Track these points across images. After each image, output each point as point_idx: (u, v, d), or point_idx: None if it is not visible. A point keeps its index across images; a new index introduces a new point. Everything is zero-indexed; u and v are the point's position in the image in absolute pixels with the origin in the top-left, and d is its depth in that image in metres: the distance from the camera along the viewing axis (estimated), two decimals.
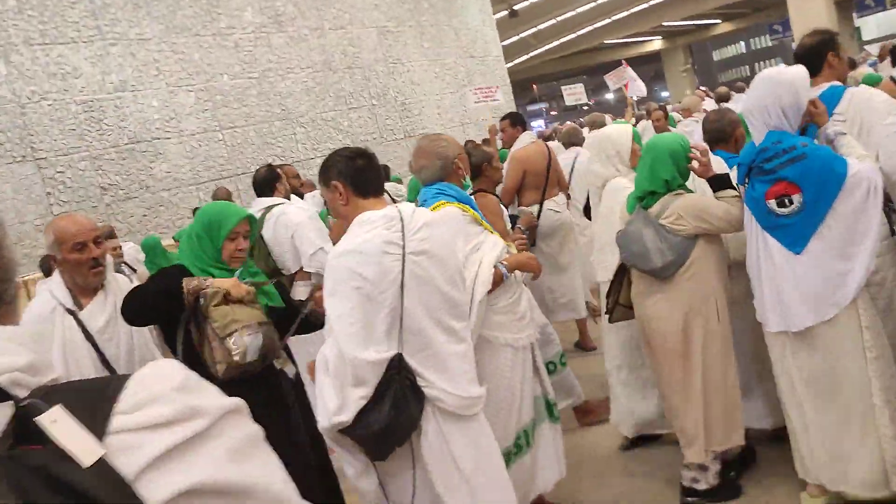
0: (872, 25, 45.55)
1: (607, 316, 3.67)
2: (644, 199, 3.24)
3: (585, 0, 28.17)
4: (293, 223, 4.59)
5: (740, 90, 11.44)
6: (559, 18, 29.94)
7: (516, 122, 5.93)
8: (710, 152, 3.28)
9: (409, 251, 2.38)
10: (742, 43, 59.23)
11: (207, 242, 2.72)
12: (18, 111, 7.60)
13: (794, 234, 2.73)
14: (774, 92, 2.80)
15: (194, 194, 8.99)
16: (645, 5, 32.29)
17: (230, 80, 9.55)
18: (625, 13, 32.70)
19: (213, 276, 2.66)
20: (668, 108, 15.48)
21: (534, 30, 31.00)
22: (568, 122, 12.84)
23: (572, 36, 34.57)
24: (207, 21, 9.38)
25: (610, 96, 52.59)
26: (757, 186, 2.85)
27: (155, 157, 8.67)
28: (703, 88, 14.88)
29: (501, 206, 4.25)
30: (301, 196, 5.04)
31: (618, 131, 3.97)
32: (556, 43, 35.01)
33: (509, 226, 4.16)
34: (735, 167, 3.13)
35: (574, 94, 14.10)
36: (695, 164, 3.19)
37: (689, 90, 45.39)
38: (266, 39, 10.06)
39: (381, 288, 2.31)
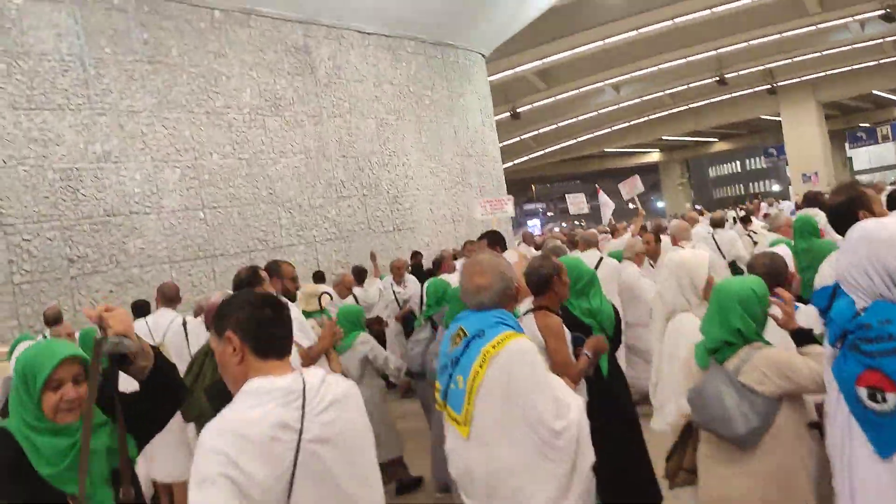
0: (864, 157, 46.66)
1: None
2: (717, 350, 2.78)
3: (586, 109, 28.72)
4: None
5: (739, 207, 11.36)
6: (560, 124, 30.48)
7: (495, 241, 5.34)
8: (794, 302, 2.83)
9: (308, 437, 1.88)
10: (738, 162, 60.49)
11: (25, 396, 2.08)
12: None
13: (885, 435, 2.22)
14: (876, 253, 2.27)
15: (167, 273, 8.63)
16: (644, 119, 32.99)
17: (220, 159, 9.36)
18: (625, 124, 33.38)
19: (36, 443, 2.03)
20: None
21: (535, 133, 31.50)
22: (585, 229, 12.87)
23: (572, 142, 35.17)
24: (203, 99, 9.26)
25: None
26: (849, 361, 2.31)
27: (130, 231, 8.35)
28: (697, 208, 14.87)
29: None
30: (293, 300, 4.54)
31: (695, 259, 3.59)
32: (555, 147, 35.56)
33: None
34: (817, 313, 2.68)
35: (577, 203, 14.15)
36: (777, 312, 2.75)
37: (686, 203, 45.99)
38: (261, 122, 9.94)
39: (263, 485, 1.79)
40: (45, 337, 6.19)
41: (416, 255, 10.04)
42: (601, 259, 6.74)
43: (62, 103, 7.89)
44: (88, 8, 8.18)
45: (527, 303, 3.82)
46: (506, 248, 5.44)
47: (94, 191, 8.08)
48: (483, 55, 14.98)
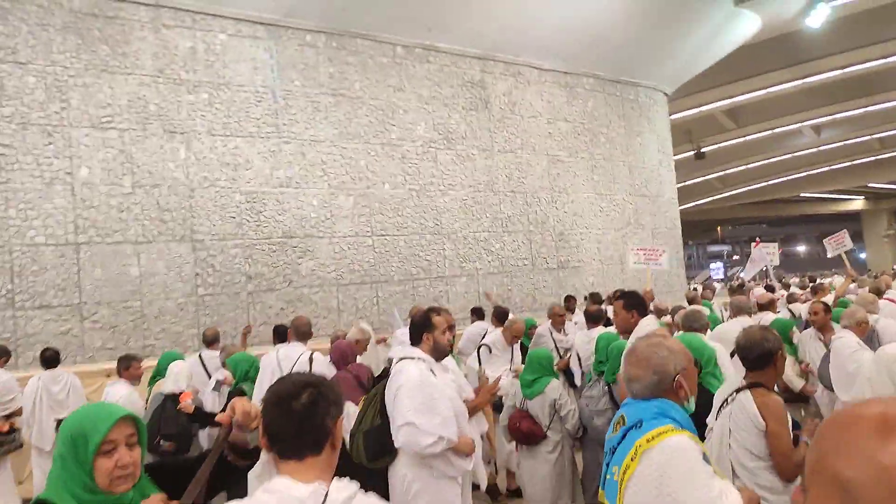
0: None
1: None
2: None
3: (780, 151, 26.94)
4: (395, 384, 3.76)
5: None
6: (750, 165, 28.79)
7: (632, 304, 4.67)
8: None
9: None
10: None
11: (74, 465, 1.85)
12: (187, 193, 8.06)
13: None
14: None
15: (334, 294, 9.05)
16: (847, 164, 30.42)
17: (390, 189, 9.71)
18: (824, 168, 30.93)
19: None
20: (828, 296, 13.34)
21: (721, 174, 29.99)
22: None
23: (763, 184, 33.09)
24: (380, 131, 9.67)
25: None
26: None
27: (304, 253, 8.85)
28: None
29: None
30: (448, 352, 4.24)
31: None
32: (744, 189, 33.63)
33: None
34: None
35: (768, 254, 11.98)
36: None
37: (890, 256, 41.73)
38: (433, 155, 10.21)
39: None
40: (200, 357, 6.61)
41: (569, 300, 9.65)
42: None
43: (253, 131, 8.55)
44: (283, 43, 8.84)
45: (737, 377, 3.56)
46: (645, 313, 4.76)
47: (275, 213, 8.66)
48: (665, 93, 14.51)
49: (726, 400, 3.49)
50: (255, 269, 8.46)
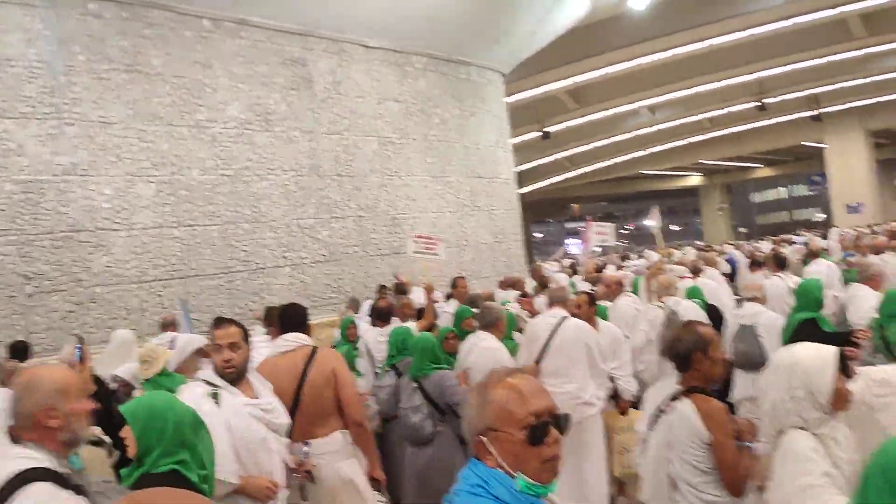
0: None
1: None
2: None
3: (621, 130, 27.90)
4: None
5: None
6: (596, 145, 29.67)
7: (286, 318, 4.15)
8: None
9: None
10: (783, 188, 58.69)
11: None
12: None
13: None
14: None
15: (134, 293, 8.19)
16: (682, 142, 32.03)
17: (200, 174, 8.91)
18: (662, 147, 32.41)
19: None
20: (632, 264, 13.71)
21: (568, 153, 30.74)
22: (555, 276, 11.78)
23: (609, 163, 34.28)
24: (185, 112, 8.83)
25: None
26: None
27: (96, 248, 7.93)
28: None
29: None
30: None
31: (817, 357, 2.46)
32: (592, 168, 34.72)
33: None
34: None
35: (602, 233, 11.40)
36: None
37: (724, 228, 44.65)
38: (249, 137, 9.48)
39: None
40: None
41: (381, 291, 9.21)
42: None
43: (26, 112, 7.51)
44: (61, 12, 7.80)
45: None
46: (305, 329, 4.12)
47: (58, 205, 7.68)
48: (502, 73, 14.39)
49: (661, 409, 3.12)
50: (34, 269, 7.47)
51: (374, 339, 6.04)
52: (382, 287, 9.36)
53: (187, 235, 8.73)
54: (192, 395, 3.11)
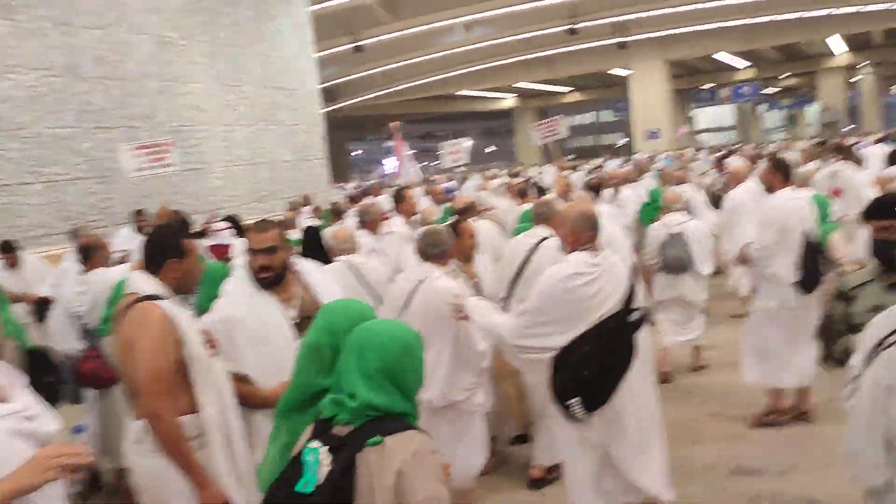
0: (705, 117, 48.50)
1: None
2: None
3: (436, 47, 27.28)
4: None
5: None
6: (411, 61, 28.84)
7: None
8: None
9: None
10: (592, 113, 61.37)
11: None
12: None
13: None
14: None
15: None
16: (497, 63, 32.04)
17: None
18: (477, 67, 32.25)
19: None
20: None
21: (384, 68, 29.73)
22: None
23: (424, 80, 33.66)
24: None
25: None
26: None
27: None
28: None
29: None
30: None
31: None
32: (406, 85, 33.94)
33: None
34: None
35: (456, 152, 10.46)
36: None
37: (537, 150, 45.98)
38: None
39: None
40: None
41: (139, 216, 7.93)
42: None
43: None
44: None
45: None
46: None
47: None
48: None
49: (880, 342, 2.17)
50: None
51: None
52: (139, 212, 8.01)
53: None
54: None
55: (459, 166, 12.04)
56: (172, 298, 2.66)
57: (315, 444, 1.69)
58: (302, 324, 2.96)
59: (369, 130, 57.85)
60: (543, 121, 8.93)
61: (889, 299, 2.56)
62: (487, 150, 59.07)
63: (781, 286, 4.48)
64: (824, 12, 26.54)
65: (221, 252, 5.50)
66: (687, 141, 36.07)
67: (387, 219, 6.06)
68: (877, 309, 2.37)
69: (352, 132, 55.32)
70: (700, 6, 24.51)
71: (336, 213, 7.89)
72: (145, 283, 2.68)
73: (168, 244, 2.74)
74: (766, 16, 26.72)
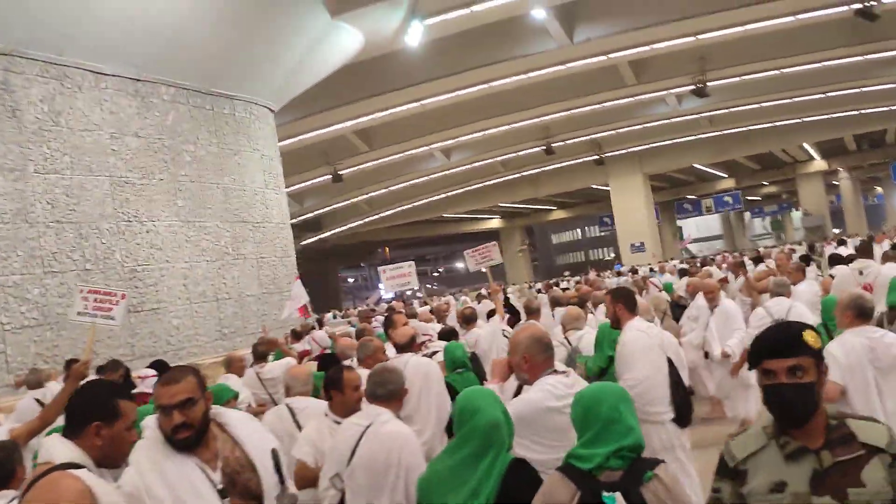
0: (693, 227, 48.96)
1: None
2: None
3: (415, 173, 27.71)
4: None
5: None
6: (391, 188, 29.24)
7: None
8: None
9: None
10: (578, 229, 62.09)
11: None
12: None
13: None
14: None
15: None
16: (479, 185, 32.52)
17: None
18: (459, 190, 32.71)
19: None
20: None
21: (366, 196, 30.10)
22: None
23: (409, 206, 34.05)
24: None
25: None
26: None
27: None
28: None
29: None
30: None
31: None
32: (390, 211, 34.30)
33: None
34: None
35: (397, 277, 9.69)
36: None
37: (525, 269, 46.01)
38: None
39: None
40: None
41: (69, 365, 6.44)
42: None
43: None
44: None
45: None
46: None
47: None
48: (271, 110, 13.28)
49: None
50: None
51: None
52: (70, 362, 6.92)
53: None
54: None
55: (406, 291, 11.54)
56: (94, 470, 2.23)
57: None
58: (229, 489, 2.50)
59: (362, 257, 58.23)
60: (478, 247, 8.61)
61: (792, 473, 1.82)
62: (472, 269, 59.21)
63: None
64: (794, 121, 27.23)
65: (145, 402, 5.09)
66: (683, 252, 36.22)
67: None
68: (779, 487, 1.82)
69: (345, 260, 55.61)
70: (673, 120, 25.11)
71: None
72: (61, 450, 2.25)
73: (96, 403, 2.33)
74: (737, 127, 27.38)
